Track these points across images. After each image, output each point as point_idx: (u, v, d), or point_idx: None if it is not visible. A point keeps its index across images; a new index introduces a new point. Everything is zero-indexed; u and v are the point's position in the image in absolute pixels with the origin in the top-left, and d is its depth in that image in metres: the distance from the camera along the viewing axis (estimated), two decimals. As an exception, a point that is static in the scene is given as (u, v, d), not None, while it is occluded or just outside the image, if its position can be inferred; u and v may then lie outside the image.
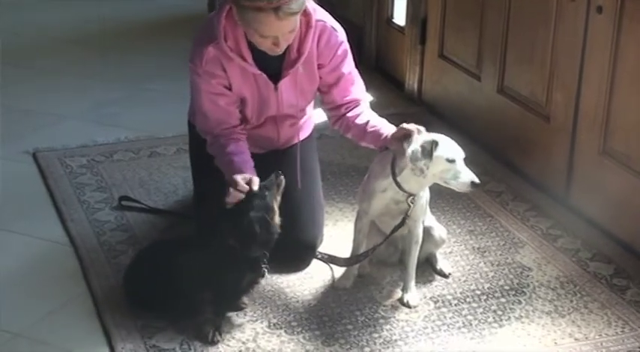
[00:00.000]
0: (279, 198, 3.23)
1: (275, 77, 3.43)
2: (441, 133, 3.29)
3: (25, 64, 5.69)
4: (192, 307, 3.19)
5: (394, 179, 3.25)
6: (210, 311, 3.18)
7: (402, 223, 3.33)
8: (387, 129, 3.38)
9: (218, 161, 3.41)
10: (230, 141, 3.40)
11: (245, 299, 3.34)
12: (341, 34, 3.47)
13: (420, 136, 3.20)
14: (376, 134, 3.38)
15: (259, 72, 3.38)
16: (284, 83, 3.44)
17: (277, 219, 3.21)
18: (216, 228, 3.19)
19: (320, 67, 3.47)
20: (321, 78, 3.50)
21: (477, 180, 3.21)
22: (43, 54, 5.90)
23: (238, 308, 3.32)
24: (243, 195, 3.16)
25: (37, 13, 6.59)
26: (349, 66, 3.52)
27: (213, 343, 3.16)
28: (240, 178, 3.18)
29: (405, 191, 3.27)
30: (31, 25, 6.39)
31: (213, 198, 3.29)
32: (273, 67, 3.41)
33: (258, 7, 3.14)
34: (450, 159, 3.18)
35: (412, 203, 3.29)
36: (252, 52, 3.35)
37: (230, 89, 3.42)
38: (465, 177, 3.20)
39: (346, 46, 3.49)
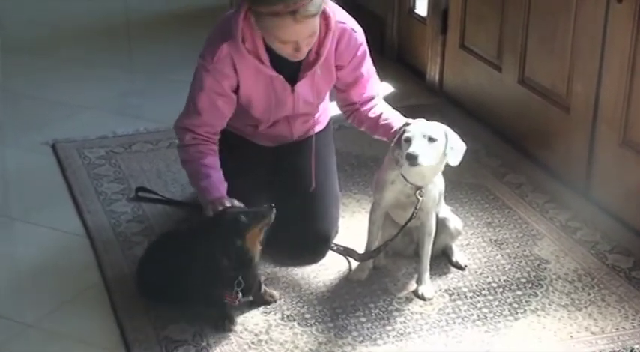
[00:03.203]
0: (260, 228, 3.13)
1: (292, 79, 3.41)
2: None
3: (49, 54, 5.70)
4: (204, 298, 3.20)
5: (400, 172, 3.24)
6: (221, 303, 3.19)
7: (412, 217, 3.31)
8: (398, 122, 3.37)
9: (189, 164, 3.41)
10: (208, 153, 3.39)
11: (276, 294, 3.33)
12: (360, 36, 3.45)
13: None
14: (387, 127, 3.39)
15: (276, 74, 3.36)
16: (301, 85, 3.43)
17: (253, 247, 3.14)
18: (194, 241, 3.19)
19: (339, 68, 3.46)
20: (339, 78, 3.49)
21: (412, 153, 3.10)
22: (68, 44, 5.89)
23: (265, 302, 3.31)
24: None
25: (63, 3, 6.60)
26: (367, 65, 3.51)
27: (226, 331, 3.16)
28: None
29: (411, 183, 3.25)
30: (57, 15, 6.40)
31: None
32: (290, 69, 3.39)
33: (274, 12, 3.11)
34: (406, 139, 3.16)
35: (420, 196, 3.27)
36: (269, 55, 3.32)
37: (235, 91, 3.40)
38: (405, 152, 3.13)
39: (365, 46, 3.47)
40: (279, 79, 3.38)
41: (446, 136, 3.20)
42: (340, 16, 3.39)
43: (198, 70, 3.41)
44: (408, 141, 3.14)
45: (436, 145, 3.16)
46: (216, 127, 3.44)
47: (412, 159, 3.11)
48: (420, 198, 3.27)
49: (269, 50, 3.30)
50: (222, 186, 3.34)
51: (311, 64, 3.38)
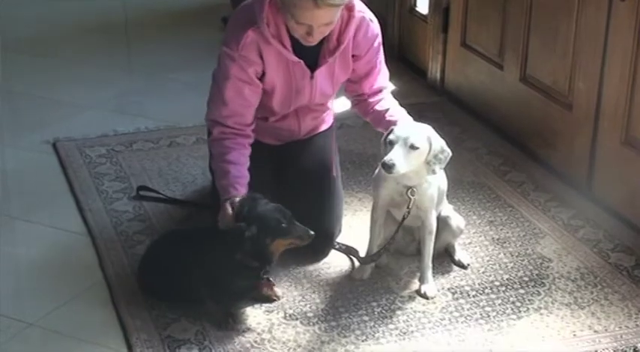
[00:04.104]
0: (290, 242, 3.17)
1: (312, 66, 3.41)
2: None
3: (48, 53, 5.69)
4: (207, 297, 3.19)
5: None
6: (223, 302, 3.18)
7: (404, 217, 3.30)
8: (402, 119, 3.37)
9: (214, 162, 3.39)
10: (233, 148, 3.36)
11: (278, 291, 3.32)
12: (377, 26, 3.47)
13: None
14: (390, 123, 3.37)
15: (297, 59, 3.36)
16: (320, 72, 3.43)
17: (276, 252, 3.16)
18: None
19: (355, 58, 3.46)
20: (354, 70, 3.49)
21: (387, 162, 3.11)
22: (67, 43, 5.89)
23: (269, 300, 3.30)
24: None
25: (63, 3, 6.59)
26: (381, 57, 3.53)
27: (230, 330, 3.14)
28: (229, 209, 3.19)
29: (400, 181, 3.25)
30: (56, 14, 6.39)
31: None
32: (311, 56, 3.39)
33: None
34: (389, 142, 3.15)
35: (412, 195, 3.26)
36: (291, 40, 3.32)
37: (260, 78, 3.38)
38: (382, 160, 3.14)
39: (380, 38, 3.49)
40: (299, 65, 3.37)
41: (430, 144, 3.19)
42: (359, 6, 3.40)
43: (222, 58, 3.38)
44: (391, 144, 3.14)
45: (417, 153, 3.16)
46: (246, 117, 3.41)
47: (387, 168, 3.12)
48: (411, 198, 3.26)
49: (291, 36, 3.30)
50: (239, 182, 3.28)
51: (331, 52, 3.38)
